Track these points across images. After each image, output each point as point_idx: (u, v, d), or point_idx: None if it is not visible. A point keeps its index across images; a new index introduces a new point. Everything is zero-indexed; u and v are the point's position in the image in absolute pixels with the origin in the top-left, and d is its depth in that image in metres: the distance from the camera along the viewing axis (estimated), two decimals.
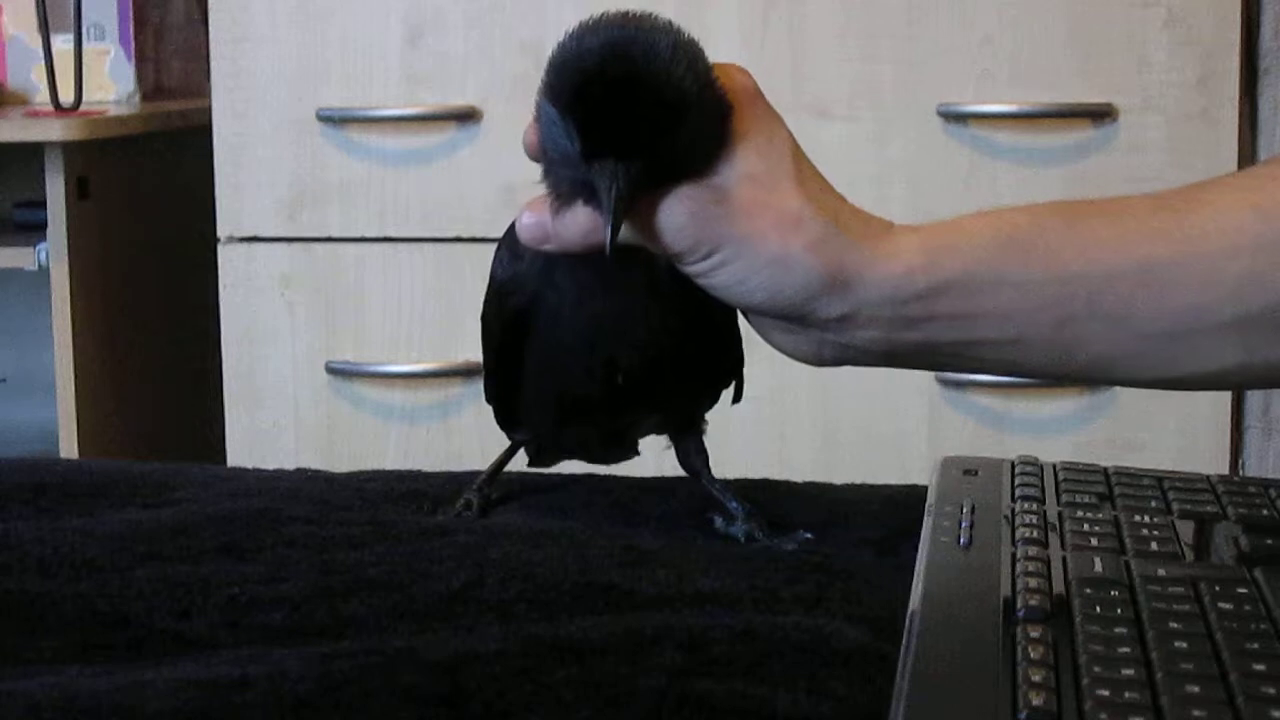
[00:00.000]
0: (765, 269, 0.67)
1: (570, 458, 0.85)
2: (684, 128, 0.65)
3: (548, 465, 0.86)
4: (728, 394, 0.80)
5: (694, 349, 0.75)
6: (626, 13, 0.67)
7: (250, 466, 0.91)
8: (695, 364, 0.76)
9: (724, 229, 0.67)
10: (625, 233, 0.66)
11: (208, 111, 1.74)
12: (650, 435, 0.81)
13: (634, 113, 0.64)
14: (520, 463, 0.84)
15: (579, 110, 0.65)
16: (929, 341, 0.69)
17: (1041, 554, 0.61)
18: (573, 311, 0.73)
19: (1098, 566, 0.59)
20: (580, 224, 0.69)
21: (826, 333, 0.69)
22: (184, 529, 0.74)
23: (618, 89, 0.64)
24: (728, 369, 0.79)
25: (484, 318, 0.78)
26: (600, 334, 0.73)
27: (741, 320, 0.76)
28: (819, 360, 0.71)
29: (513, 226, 0.75)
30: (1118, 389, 1.62)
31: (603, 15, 0.67)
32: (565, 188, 0.69)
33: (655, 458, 0.83)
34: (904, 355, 0.71)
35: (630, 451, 0.83)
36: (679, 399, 0.78)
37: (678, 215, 0.67)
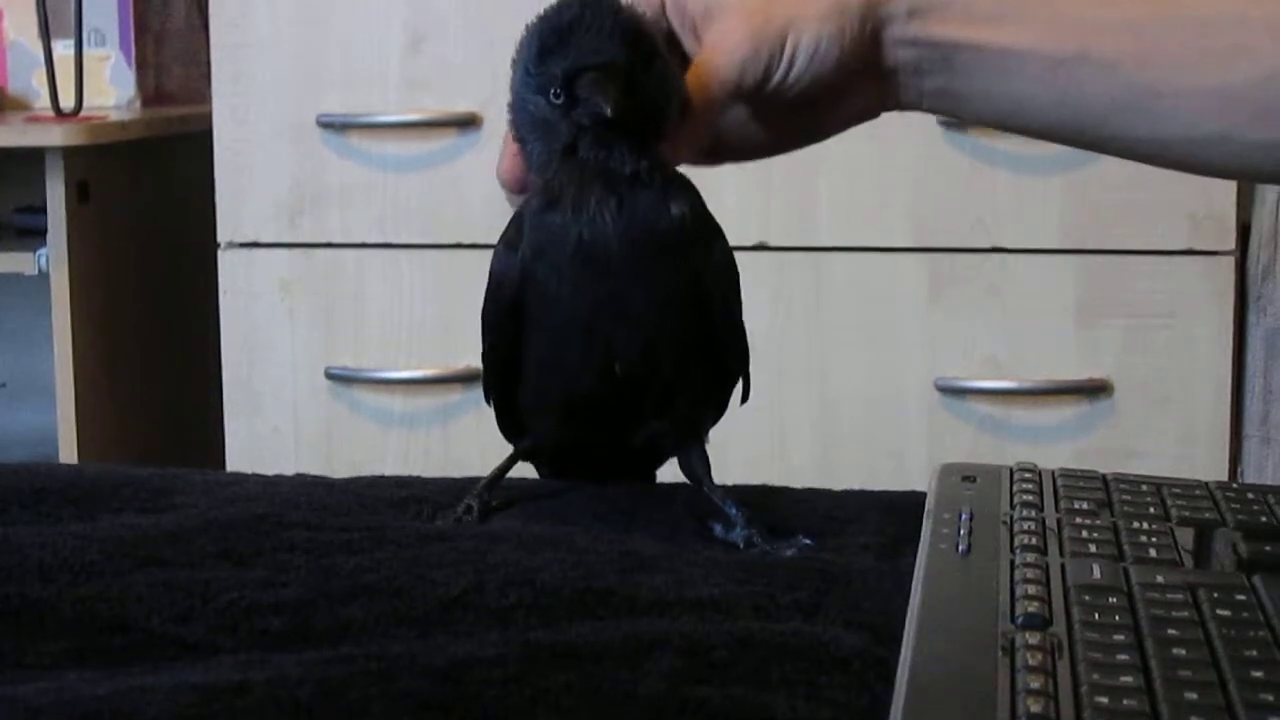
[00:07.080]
0: (826, 23, 0.73)
1: (586, 474, 0.85)
2: (655, 58, 0.71)
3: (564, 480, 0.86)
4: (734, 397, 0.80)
5: (692, 338, 0.75)
6: None
7: (249, 472, 0.91)
8: (695, 356, 0.76)
9: (776, 20, 0.73)
10: (703, 137, 0.73)
11: (208, 117, 1.74)
12: (656, 450, 0.81)
13: (609, 31, 0.70)
14: (521, 469, 0.84)
15: (556, 40, 0.70)
16: (947, 69, 0.75)
17: (1040, 561, 0.61)
18: (568, 299, 0.74)
19: (1096, 573, 0.59)
20: None
21: (880, 81, 0.76)
22: (183, 534, 0.74)
23: (591, 16, 0.70)
24: (730, 365, 0.79)
25: (483, 315, 0.78)
26: (595, 321, 0.74)
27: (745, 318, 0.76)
28: (875, 114, 0.78)
29: (510, 223, 0.76)
30: (1117, 397, 1.62)
31: None
32: (556, 175, 0.72)
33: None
34: (936, 95, 0.76)
35: (647, 472, 0.84)
36: (682, 400, 0.78)
37: (736, 39, 0.73)
